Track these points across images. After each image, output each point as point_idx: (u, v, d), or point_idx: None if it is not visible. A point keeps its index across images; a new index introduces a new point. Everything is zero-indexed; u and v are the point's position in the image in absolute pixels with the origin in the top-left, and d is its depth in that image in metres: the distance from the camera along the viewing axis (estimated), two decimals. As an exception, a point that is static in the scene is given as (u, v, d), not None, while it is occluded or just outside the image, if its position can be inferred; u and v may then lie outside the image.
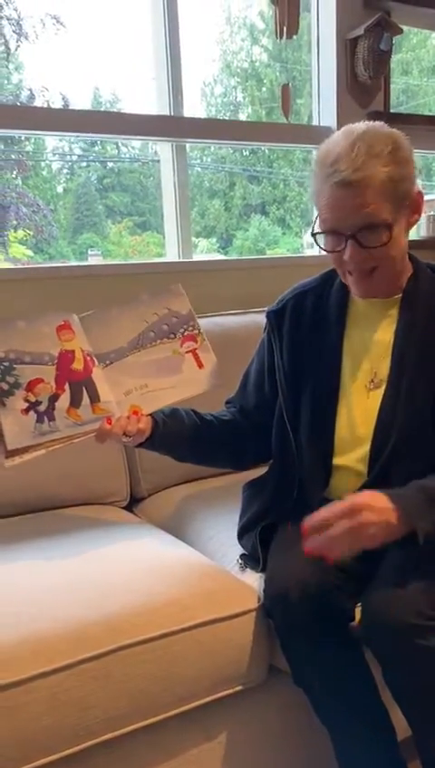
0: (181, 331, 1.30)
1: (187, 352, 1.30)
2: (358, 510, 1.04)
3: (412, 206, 1.22)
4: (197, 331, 1.31)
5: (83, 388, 1.23)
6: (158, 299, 1.30)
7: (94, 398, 1.23)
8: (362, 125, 1.20)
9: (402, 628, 1.04)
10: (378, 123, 1.22)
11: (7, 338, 1.19)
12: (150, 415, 1.31)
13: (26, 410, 1.19)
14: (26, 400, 1.19)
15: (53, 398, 1.20)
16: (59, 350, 1.22)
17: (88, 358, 1.23)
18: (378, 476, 1.22)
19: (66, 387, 1.21)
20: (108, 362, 1.25)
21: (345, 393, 1.30)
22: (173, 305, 1.30)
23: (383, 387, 1.26)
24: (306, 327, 1.36)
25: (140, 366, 1.27)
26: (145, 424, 1.28)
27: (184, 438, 1.35)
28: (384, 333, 1.28)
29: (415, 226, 1.32)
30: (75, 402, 1.22)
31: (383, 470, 1.22)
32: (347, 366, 1.31)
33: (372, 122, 1.22)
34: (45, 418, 1.20)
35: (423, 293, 1.27)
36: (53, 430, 1.20)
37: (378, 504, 1.05)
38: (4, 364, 1.18)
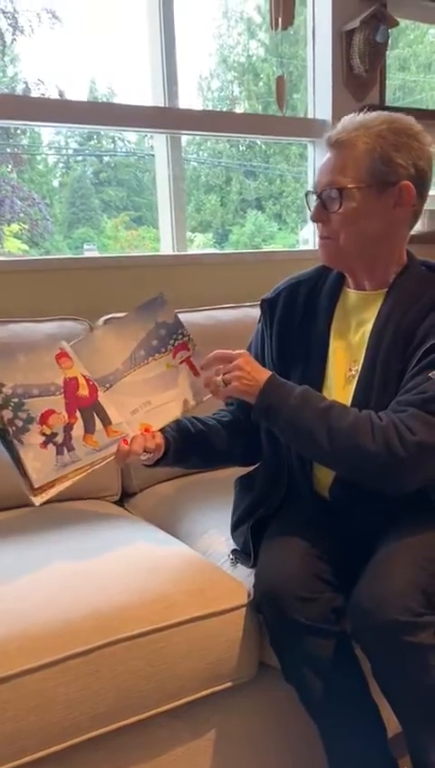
0: (171, 342, 1.29)
1: (181, 362, 1.30)
2: (243, 356, 1.21)
3: (395, 196, 1.20)
4: (187, 338, 1.30)
5: (94, 414, 1.22)
6: (144, 314, 1.28)
7: (106, 421, 1.22)
8: (393, 113, 1.23)
9: (390, 625, 1.04)
10: (409, 117, 1.23)
11: (11, 372, 1.17)
12: (160, 431, 1.29)
13: (44, 444, 1.17)
14: (42, 434, 1.17)
15: (68, 428, 1.19)
16: (63, 378, 1.20)
17: (91, 382, 1.22)
18: None
19: (77, 414, 1.20)
20: (108, 385, 1.24)
21: (328, 384, 1.30)
22: (160, 317, 1.29)
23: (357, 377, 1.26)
24: (297, 317, 1.35)
25: (138, 384, 1.26)
26: (160, 440, 1.26)
27: (195, 449, 1.35)
28: (367, 325, 1.28)
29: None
30: (89, 428, 1.21)
31: None
32: (332, 357, 1.31)
33: (405, 115, 1.23)
34: (65, 449, 1.19)
35: (408, 288, 1.26)
36: (74, 460, 1.19)
37: (258, 370, 1.21)
38: (14, 400, 1.16)
